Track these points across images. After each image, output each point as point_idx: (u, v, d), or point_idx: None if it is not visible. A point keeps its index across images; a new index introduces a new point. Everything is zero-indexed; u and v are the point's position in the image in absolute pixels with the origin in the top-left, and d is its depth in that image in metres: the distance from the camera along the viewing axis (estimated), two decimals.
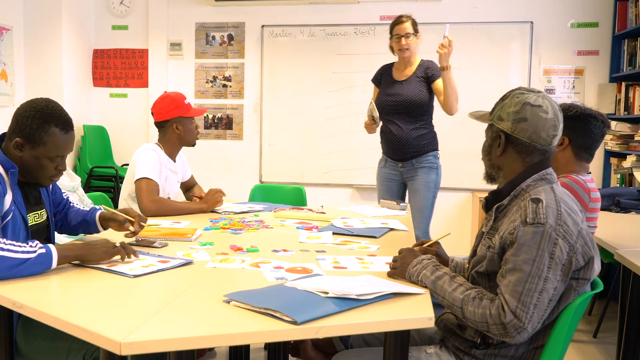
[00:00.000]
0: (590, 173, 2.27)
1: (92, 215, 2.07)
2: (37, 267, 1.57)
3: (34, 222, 1.87)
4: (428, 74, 3.43)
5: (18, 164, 1.79)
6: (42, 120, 1.78)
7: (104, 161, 5.34)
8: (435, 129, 3.53)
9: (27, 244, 1.59)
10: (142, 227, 2.01)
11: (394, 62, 3.61)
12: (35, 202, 1.91)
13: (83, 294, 1.53)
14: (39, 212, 1.91)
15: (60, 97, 5.05)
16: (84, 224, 2.08)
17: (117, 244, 1.75)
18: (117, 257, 1.74)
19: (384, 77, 3.62)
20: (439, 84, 3.39)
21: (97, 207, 2.14)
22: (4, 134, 1.85)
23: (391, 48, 3.55)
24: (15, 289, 1.48)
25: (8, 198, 1.73)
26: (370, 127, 3.50)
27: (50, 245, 1.63)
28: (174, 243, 2.08)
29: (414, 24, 3.46)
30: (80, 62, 5.38)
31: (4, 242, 1.55)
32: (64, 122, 1.82)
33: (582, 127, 2.15)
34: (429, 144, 3.48)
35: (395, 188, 3.59)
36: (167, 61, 5.44)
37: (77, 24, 5.27)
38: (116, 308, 1.39)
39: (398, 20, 3.46)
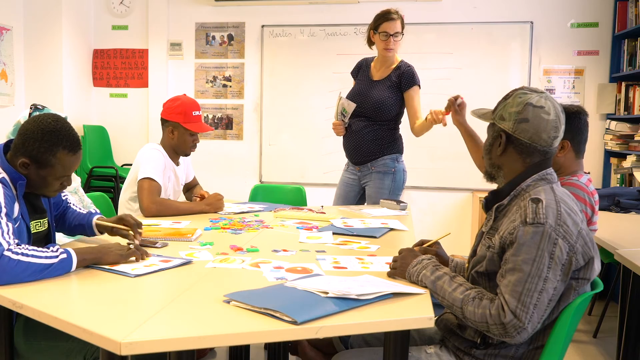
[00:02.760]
0: (588, 173, 2.26)
1: (89, 220, 2.07)
2: (59, 272, 1.60)
3: (36, 230, 1.88)
4: (402, 81, 3.19)
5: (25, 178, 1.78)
6: (50, 143, 1.74)
7: (104, 161, 5.34)
8: (399, 132, 3.31)
9: (49, 248, 1.62)
10: (140, 234, 2.00)
11: (374, 57, 3.36)
12: (38, 210, 1.90)
13: (83, 293, 1.53)
14: (40, 220, 1.91)
15: (60, 97, 5.06)
16: (81, 227, 2.08)
17: (131, 246, 1.80)
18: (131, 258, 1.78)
19: (361, 72, 3.39)
20: (410, 95, 3.19)
21: (94, 211, 2.14)
22: (9, 141, 1.82)
23: (370, 42, 3.30)
24: (15, 289, 1.48)
25: (16, 207, 1.74)
26: (338, 127, 3.28)
27: (70, 249, 1.66)
28: (174, 243, 2.09)
29: (403, 22, 3.18)
30: (80, 62, 5.38)
31: (27, 248, 1.57)
32: (72, 143, 1.78)
33: (575, 126, 2.15)
34: (387, 146, 3.24)
35: (352, 194, 3.36)
36: (167, 61, 5.44)
37: (77, 24, 5.27)
38: (116, 308, 1.39)
39: (389, 17, 3.15)
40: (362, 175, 3.31)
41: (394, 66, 3.25)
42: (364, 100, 3.22)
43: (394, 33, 3.14)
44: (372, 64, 3.35)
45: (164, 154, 2.81)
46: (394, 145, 3.26)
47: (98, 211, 2.21)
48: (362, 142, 3.24)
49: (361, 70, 3.40)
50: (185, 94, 2.90)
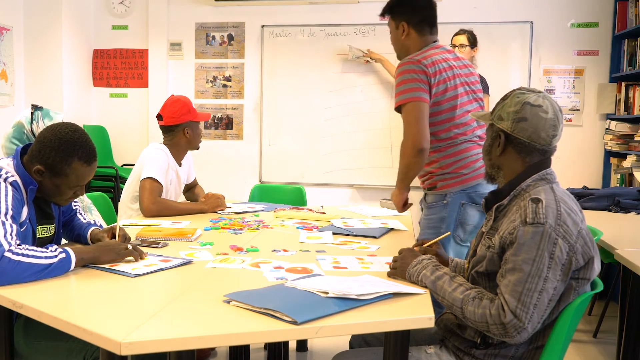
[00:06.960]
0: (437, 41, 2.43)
1: (85, 231, 2.08)
2: (58, 271, 1.61)
3: (41, 235, 1.88)
4: None
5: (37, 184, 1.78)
6: (66, 153, 1.74)
7: (103, 161, 5.34)
8: None
9: (48, 248, 1.62)
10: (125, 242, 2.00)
11: None
12: (47, 216, 1.91)
13: (83, 294, 1.53)
14: (47, 226, 1.91)
15: (60, 97, 5.06)
16: (79, 237, 2.09)
17: (128, 246, 1.80)
18: (128, 257, 1.79)
19: None
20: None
21: (93, 222, 2.14)
22: (27, 145, 1.83)
23: None
24: (15, 289, 1.49)
25: (24, 211, 1.74)
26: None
27: (68, 249, 1.66)
28: (174, 243, 2.09)
29: (470, 38, 4.09)
30: (80, 62, 5.38)
31: (27, 248, 1.57)
32: (88, 154, 1.78)
33: (408, 9, 2.32)
34: None
35: None
36: (167, 61, 5.44)
37: (77, 24, 5.27)
38: (116, 308, 1.39)
39: (456, 32, 4.14)
40: None
41: None
42: None
43: (458, 44, 4.07)
44: None
45: (168, 154, 2.82)
46: None
47: (97, 222, 2.21)
48: None
49: None
50: (172, 95, 2.96)
